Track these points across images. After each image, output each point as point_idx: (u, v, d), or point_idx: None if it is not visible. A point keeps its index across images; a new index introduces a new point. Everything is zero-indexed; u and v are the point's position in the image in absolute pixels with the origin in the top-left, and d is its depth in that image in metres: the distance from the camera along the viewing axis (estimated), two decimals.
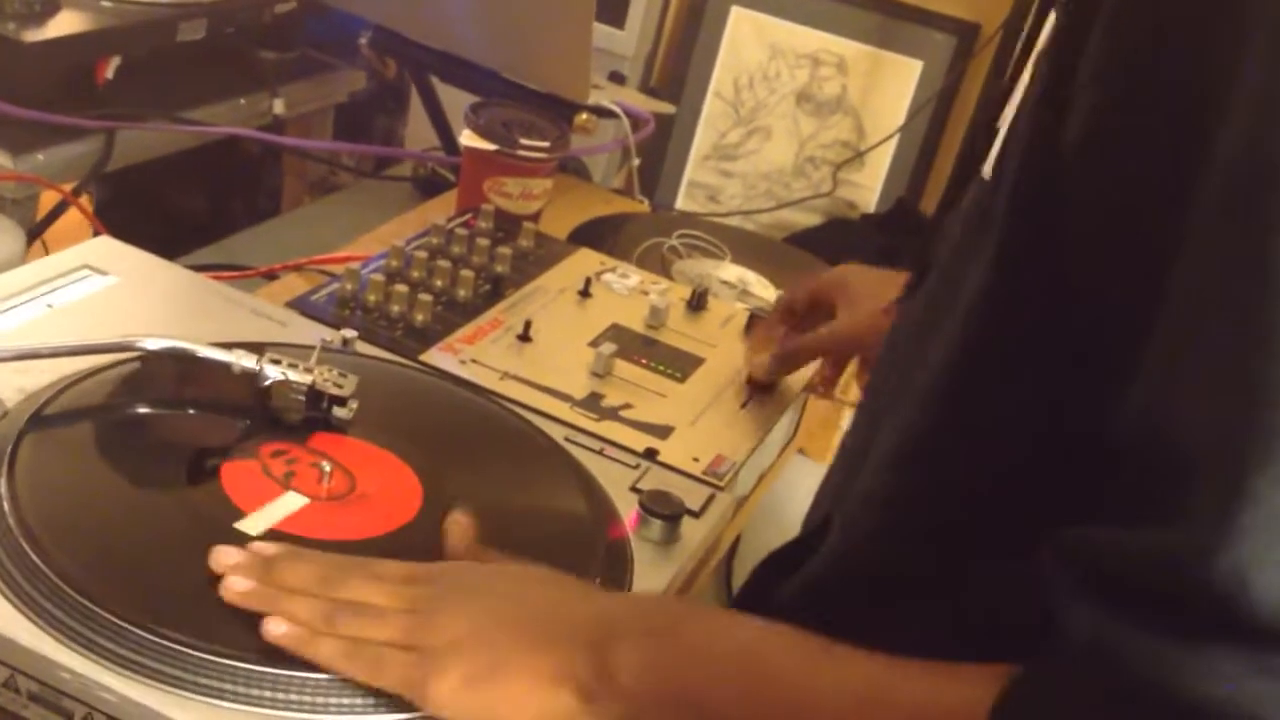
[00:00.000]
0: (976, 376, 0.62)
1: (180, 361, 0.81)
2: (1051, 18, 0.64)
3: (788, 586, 0.74)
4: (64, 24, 1.28)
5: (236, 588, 0.67)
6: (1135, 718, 0.48)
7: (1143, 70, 0.53)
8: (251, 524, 0.73)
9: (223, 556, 0.68)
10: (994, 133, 0.67)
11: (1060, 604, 0.52)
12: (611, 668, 0.62)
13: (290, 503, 0.75)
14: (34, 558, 0.67)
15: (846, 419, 1.37)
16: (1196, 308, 0.49)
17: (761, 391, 1.06)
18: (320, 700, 0.64)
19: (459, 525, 0.74)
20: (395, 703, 0.65)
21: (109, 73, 1.31)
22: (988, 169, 0.65)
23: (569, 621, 0.65)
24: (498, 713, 0.63)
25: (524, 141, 1.24)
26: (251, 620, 0.66)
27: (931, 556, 0.65)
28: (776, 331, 1.09)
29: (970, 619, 0.62)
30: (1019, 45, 0.69)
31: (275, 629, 0.65)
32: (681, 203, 2.44)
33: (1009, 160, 0.62)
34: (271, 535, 0.72)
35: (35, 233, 1.25)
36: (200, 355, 0.80)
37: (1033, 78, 0.63)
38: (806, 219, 2.42)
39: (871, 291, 1.01)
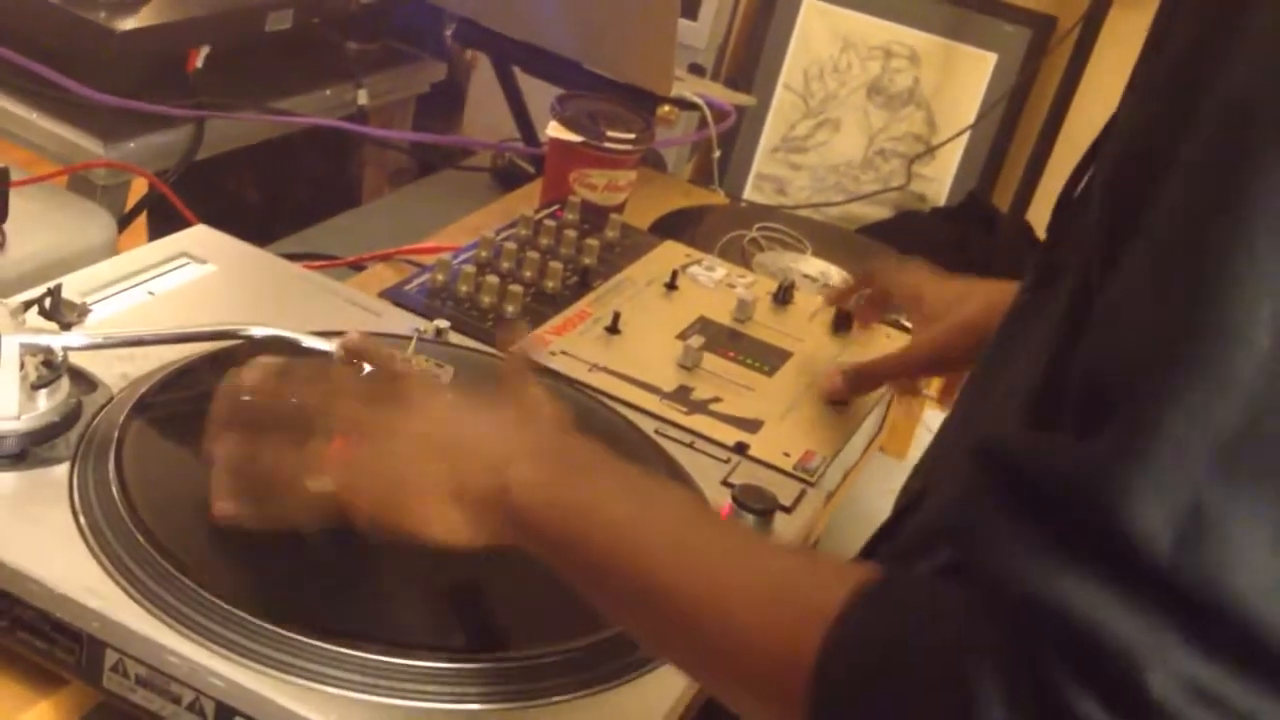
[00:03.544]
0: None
1: (282, 350, 0.82)
2: None
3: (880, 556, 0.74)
4: (154, 12, 1.29)
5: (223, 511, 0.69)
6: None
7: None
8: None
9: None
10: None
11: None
12: (507, 484, 0.63)
13: None
14: (142, 542, 0.67)
15: (928, 415, 1.36)
16: (1156, 247, 0.50)
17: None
18: (426, 688, 0.65)
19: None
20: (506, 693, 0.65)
21: (198, 61, 1.32)
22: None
23: (482, 452, 0.66)
24: (406, 527, 0.65)
25: (610, 133, 1.24)
26: (360, 608, 0.67)
27: None
28: (848, 298, 1.11)
29: None
30: None
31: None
32: (749, 195, 2.43)
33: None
34: None
35: (125, 221, 1.26)
36: (304, 344, 0.81)
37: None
38: (876, 212, 2.40)
39: (944, 310, 0.97)
